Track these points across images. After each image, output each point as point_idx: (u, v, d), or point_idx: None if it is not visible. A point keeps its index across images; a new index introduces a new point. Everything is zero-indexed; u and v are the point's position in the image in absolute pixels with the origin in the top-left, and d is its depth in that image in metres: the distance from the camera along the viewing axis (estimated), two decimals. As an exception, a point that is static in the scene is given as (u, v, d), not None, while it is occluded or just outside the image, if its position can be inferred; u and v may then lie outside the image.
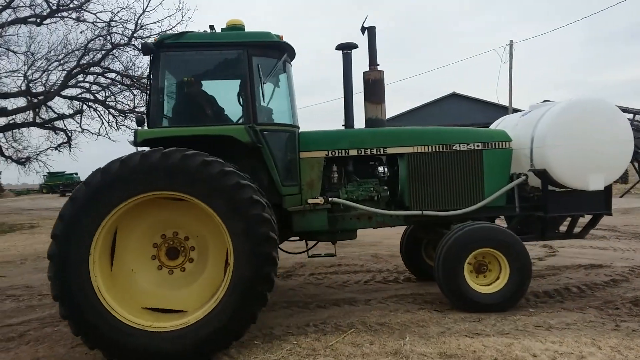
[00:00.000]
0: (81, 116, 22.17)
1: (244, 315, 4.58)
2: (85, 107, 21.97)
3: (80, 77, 21.47)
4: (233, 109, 5.93)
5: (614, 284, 6.91)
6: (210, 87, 6.17)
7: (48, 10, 17.02)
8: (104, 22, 17.60)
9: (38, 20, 17.32)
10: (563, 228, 6.72)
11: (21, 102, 21.37)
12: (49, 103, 20.76)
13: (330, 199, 6.01)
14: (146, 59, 22.21)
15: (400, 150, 6.24)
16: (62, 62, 20.17)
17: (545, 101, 6.47)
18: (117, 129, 20.11)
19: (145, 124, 5.68)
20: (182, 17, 23.60)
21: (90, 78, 19.09)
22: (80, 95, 21.95)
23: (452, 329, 5.19)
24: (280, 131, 5.93)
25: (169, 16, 32.49)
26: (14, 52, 19.21)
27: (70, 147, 23.01)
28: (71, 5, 17.07)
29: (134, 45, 17.85)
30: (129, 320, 4.47)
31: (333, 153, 6.16)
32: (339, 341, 4.99)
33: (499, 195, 6.15)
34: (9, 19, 17.21)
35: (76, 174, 55.69)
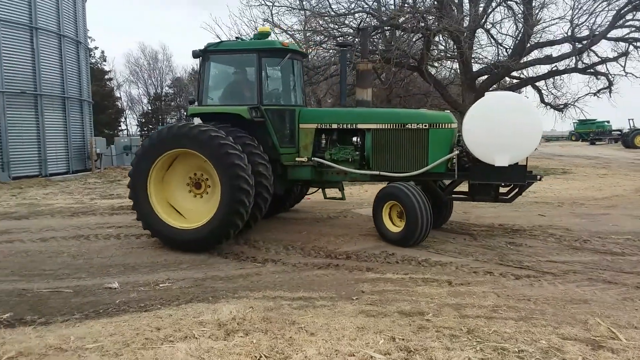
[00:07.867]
0: (626, 58, 20.61)
1: (228, 224, 7.16)
2: (631, 47, 20.22)
3: (629, 16, 19.81)
4: (255, 94, 8.28)
5: None
6: (242, 77, 8.79)
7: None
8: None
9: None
10: None
11: (565, 48, 21.71)
12: (593, 47, 20.27)
13: (313, 158, 8.38)
14: None
15: (367, 126, 8.28)
16: (610, 1, 19.08)
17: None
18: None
19: (196, 103, 8.49)
20: None
21: (640, 15, 17.20)
22: (627, 36, 20.34)
23: None
24: (280, 110, 8.43)
25: None
26: (562, -1, 19.57)
27: (610, 92, 21.91)
28: None
29: None
30: (169, 222, 7.54)
31: (321, 126, 8.46)
32: None
33: (437, 164, 7.82)
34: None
35: (608, 122, 52.56)
